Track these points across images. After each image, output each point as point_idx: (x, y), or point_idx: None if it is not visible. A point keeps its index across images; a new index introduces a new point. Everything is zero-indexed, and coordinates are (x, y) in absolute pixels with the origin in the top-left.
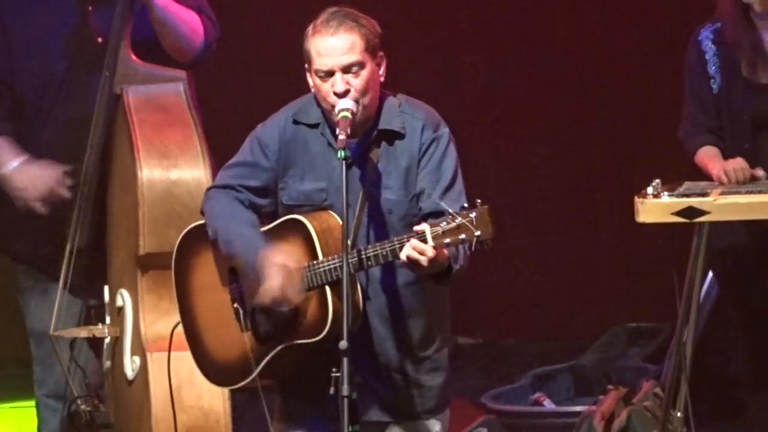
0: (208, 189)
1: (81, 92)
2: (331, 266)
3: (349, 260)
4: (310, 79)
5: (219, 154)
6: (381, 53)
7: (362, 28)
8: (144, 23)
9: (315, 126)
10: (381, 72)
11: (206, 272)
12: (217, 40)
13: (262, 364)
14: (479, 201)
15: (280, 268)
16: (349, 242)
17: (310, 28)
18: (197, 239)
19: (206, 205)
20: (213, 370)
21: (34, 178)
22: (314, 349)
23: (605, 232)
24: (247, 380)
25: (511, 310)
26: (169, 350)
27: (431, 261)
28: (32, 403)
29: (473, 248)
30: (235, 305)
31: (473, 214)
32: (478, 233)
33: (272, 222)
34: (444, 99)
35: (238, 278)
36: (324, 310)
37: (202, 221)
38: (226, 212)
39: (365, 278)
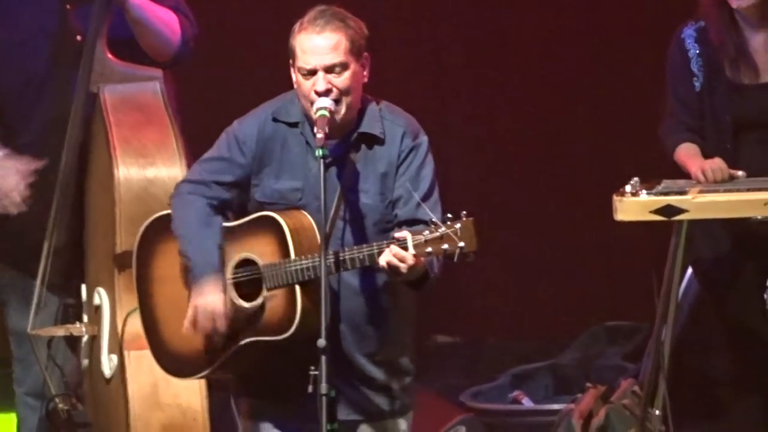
0: (180, 183)
1: (62, 92)
2: (304, 266)
3: (329, 261)
4: (293, 75)
5: (197, 152)
6: (366, 54)
7: (349, 29)
8: (123, 22)
9: (295, 125)
10: (365, 73)
11: (168, 263)
12: (196, 38)
13: (223, 357)
14: (464, 213)
15: (213, 314)
16: (319, 242)
17: (297, 25)
18: (161, 230)
19: (175, 202)
20: (169, 360)
21: (2, 177)
22: (278, 347)
23: (585, 232)
24: (205, 372)
25: (490, 309)
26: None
27: (410, 269)
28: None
29: (456, 260)
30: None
31: (458, 225)
32: (461, 245)
33: (244, 217)
34: (425, 98)
35: None
36: (292, 309)
37: (166, 212)
38: (192, 216)
39: (336, 281)
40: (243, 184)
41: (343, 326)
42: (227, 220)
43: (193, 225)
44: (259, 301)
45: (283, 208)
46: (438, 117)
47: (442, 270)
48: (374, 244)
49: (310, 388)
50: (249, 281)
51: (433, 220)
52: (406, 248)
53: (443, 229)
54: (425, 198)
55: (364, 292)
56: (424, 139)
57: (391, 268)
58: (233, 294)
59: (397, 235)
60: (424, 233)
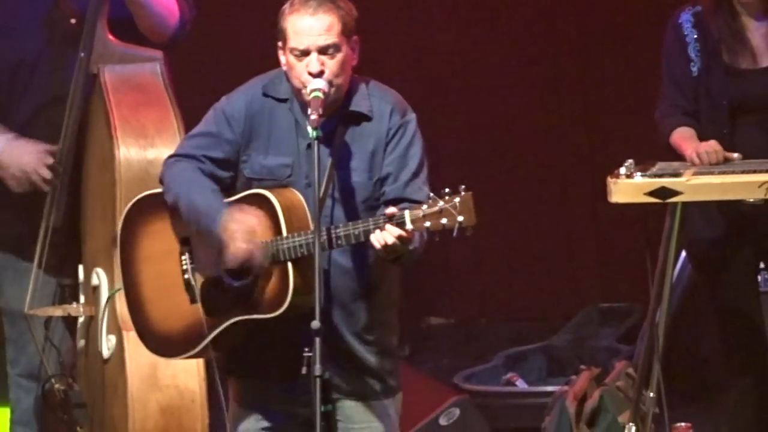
0: (169, 157)
1: (55, 73)
2: (296, 243)
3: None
4: (282, 57)
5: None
6: (356, 37)
7: (340, 10)
8: (120, 2)
9: (284, 101)
10: (354, 56)
11: (154, 242)
12: (192, 21)
13: (212, 335)
14: (463, 187)
15: (247, 230)
16: (309, 219)
17: (286, 6)
18: (146, 209)
19: (167, 172)
20: (155, 340)
21: (18, 156)
22: (267, 325)
23: (578, 212)
24: (193, 351)
25: (483, 290)
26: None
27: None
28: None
29: (455, 234)
30: (186, 276)
31: (456, 200)
32: (460, 219)
33: (234, 195)
34: (415, 78)
35: (191, 249)
36: (284, 287)
37: (151, 191)
38: (189, 179)
39: (327, 260)
40: (232, 161)
41: (331, 304)
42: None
43: (193, 189)
44: (250, 278)
45: (272, 185)
46: (430, 96)
47: (425, 246)
48: (370, 219)
49: (304, 370)
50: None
51: (430, 195)
52: (402, 225)
53: (442, 203)
54: (414, 176)
55: (352, 270)
56: (412, 116)
57: (388, 248)
58: (221, 272)
59: (392, 210)
60: (422, 208)
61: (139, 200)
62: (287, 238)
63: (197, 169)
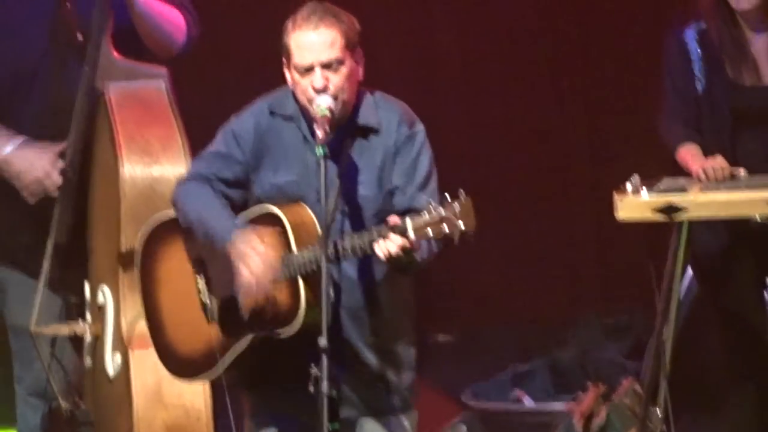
0: (181, 179)
1: (57, 86)
2: (306, 259)
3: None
4: (287, 75)
5: (195, 149)
6: (359, 50)
7: (342, 25)
8: (122, 12)
9: (290, 118)
10: (359, 69)
11: (171, 265)
12: (199, 36)
13: (229, 356)
14: (462, 192)
15: (256, 252)
16: (320, 234)
17: (289, 23)
18: (162, 232)
19: (179, 193)
20: (176, 362)
21: (30, 161)
22: (283, 341)
23: (580, 221)
24: (213, 373)
25: (487, 301)
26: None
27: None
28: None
29: (456, 240)
30: (202, 297)
31: (456, 206)
32: (461, 226)
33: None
34: (417, 88)
35: (206, 269)
36: (296, 303)
37: (167, 216)
38: (199, 198)
39: (337, 273)
40: (242, 180)
41: (344, 316)
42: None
43: (205, 208)
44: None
45: (283, 202)
46: (432, 104)
47: (432, 255)
48: (374, 230)
49: (311, 388)
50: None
51: (431, 202)
52: (404, 234)
53: (442, 210)
54: (422, 187)
55: (363, 282)
56: (420, 127)
57: (392, 258)
58: (236, 290)
59: (394, 220)
60: (423, 216)
61: (155, 224)
62: (297, 254)
63: (208, 188)
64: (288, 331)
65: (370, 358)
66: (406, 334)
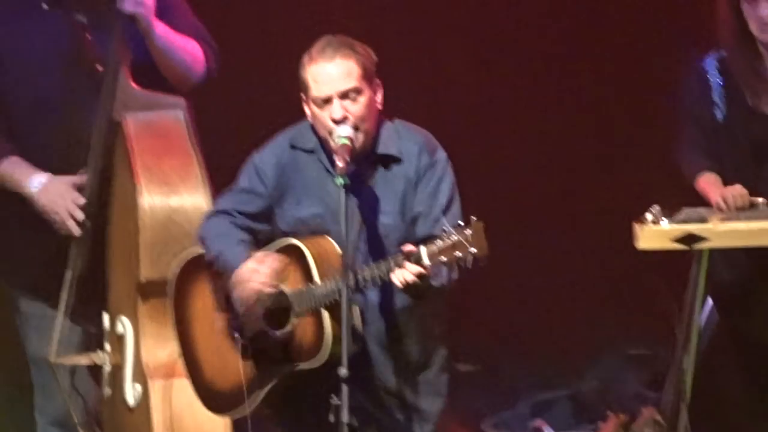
0: (206, 216)
1: (75, 117)
2: (328, 290)
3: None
4: (306, 109)
5: (216, 179)
6: (378, 81)
7: (358, 55)
8: (141, 48)
9: (311, 151)
10: (378, 99)
11: (204, 300)
12: (218, 67)
13: (262, 392)
14: (474, 218)
15: (254, 272)
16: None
17: (305, 57)
18: (194, 268)
19: (203, 229)
20: (212, 398)
21: (53, 200)
22: (312, 374)
23: (604, 256)
24: (246, 408)
25: (508, 334)
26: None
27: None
28: None
29: (468, 266)
30: (232, 332)
31: (468, 231)
32: (473, 250)
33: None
34: (433, 118)
35: (235, 306)
36: (320, 334)
37: (197, 250)
38: (220, 232)
39: (363, 302)
40: (266, 215)
41: (372, 345)
42: (255, 249)
43: (224, 240)
44: (288, 328)
45: (307, 235)
46: (449, 135)
47: (451, 280)
48: (390, 259)
49: (331, 417)
50: (278, 309)
51: (444, 228)
52: (420, 261)
53: (455, 236)
54: (443, 214)
55: (390, 310)
56: (441, 155)
57: (410, 285)
58: (263, 324)
59: (409, 248)
60: (437, 243)
61: (186, 259)
62: (319, 286)
63: (230, 223)
64: (314, 363)
65: (401, 386)
66: (439, 361)
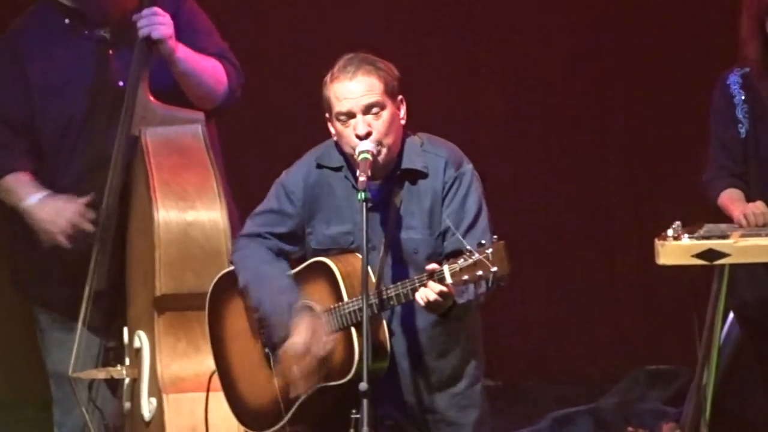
0: (237, 238)
1: (101, 136)
2: (356, 308)
3: (371, 301)
4: (331, 128)
5: (241, 193)
6: (400, 96)
7: (380, 71)
8: (164, 71)
9: (338, 169)
10: (402, 115)
11: (238, 319)
12: (242, 86)
13: (293, 409)
14: (495, 237)
15: (306, 324)
16: (373, 283)
17: (328, 77)
18: (228, 286)
19: (235, 254)
20: (248, 415)
21: (56, 211)
22: (343, 391)
23: (624, 273)
24: (279, 425)
25: (530, 351)
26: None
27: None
28: None
29: (490, 285)
30: (266, 350)
31: (489, 250)
32: (494, 269)
33: (299, 265)
34: (462, 138)
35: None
36: (350, 351)
37: (231, 268)
38: (256, 265)
39: (390, 317)
40: (297, 234)
41: (402, 361)
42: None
43: (259, 269)
44: None
45: (338, 252)
46: (474, 157)
47: (480, 297)
48: (416, 277)
49: None
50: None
51: (467, 247)
52: (443, 280)
53: (476, 255)
54: (470, 227)
55: (418, 326)
56: (468, 167)
57: (432, 304)
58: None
59: (433, 266)
60: (459, 262)
61: (221, 277)
62: (347, 303)
63: (264, 248)
64: (344, 380)
65: (434, 400)
66: (472, 373)
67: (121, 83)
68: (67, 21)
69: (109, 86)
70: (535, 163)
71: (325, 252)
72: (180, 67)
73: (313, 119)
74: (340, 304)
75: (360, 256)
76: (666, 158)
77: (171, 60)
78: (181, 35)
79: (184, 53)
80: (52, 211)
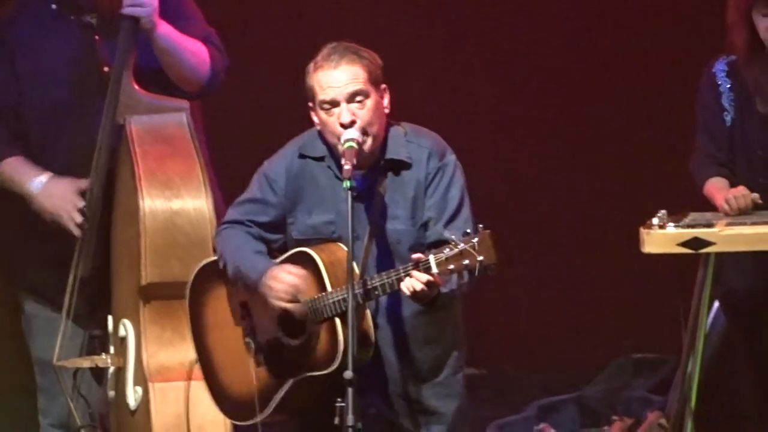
0: (219, 226)
1: (88, 122)
2: (340, 298)
3: (356, 291)
4: (314, 117)
5: (226, 182)
6: (384, 85)
7: (364, 60)
8: (150, 54)
9: (321, 159)
10: (385, 104)
11: (219, 309)
12: (227, 70)
13: (276, 398)
14: (481, 226)
15: (285, 289)
16: (357, 273)
17: (311, 65)
18: (209, 276)
19: (217, 240)
20: (230, 405)
21: (53, 200)
22: (327, 381)
23: (611, 262)
24: (262, 415)
25: (515, 340)
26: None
27: (432, 289)
28: None
29: (477, 274)
30: (247, 340)
31: (475, 240)
32: (480, 258)
33: (282, 255)
34: (450, 126)
35: (250, 313)
36: (334, 342)
37: (213, 258)
38: (235, 243)
39: (375, 307)
40: (279, 224)
41: (386, 350)
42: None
43: (239, 246)
44: (305, 336)
45: (320, 242)
46: (462, 146)
47: (463, 286)
48: (401, 267)
49: (336, 420)
50: (294, 318)
51: (452, 237)
52: (429, 270)
53: (462, 245)
54: (453, 217)
55: (402, 315)
56: (451, 158)
57: (418, 294)
58: (279, 333)
59: (418, 256)
60: (444, 251)
61: (202, 267)
62: (331, 293)
63: (245, 233)
64: (329, 370)
65: (417, 389)
66: (453, 363)
67: (106, 69)
68: (54, 6)
69: (95, 72)
70: (521, 153)
71: (307, 242)
72: (161, 43)
73: (297, 108)
74: (324, 294)
75: (343, 245)
76: (652, 147)
77: (152, 36)
78: (167, 20)
79: (166, 30)
80: (52, 196)
